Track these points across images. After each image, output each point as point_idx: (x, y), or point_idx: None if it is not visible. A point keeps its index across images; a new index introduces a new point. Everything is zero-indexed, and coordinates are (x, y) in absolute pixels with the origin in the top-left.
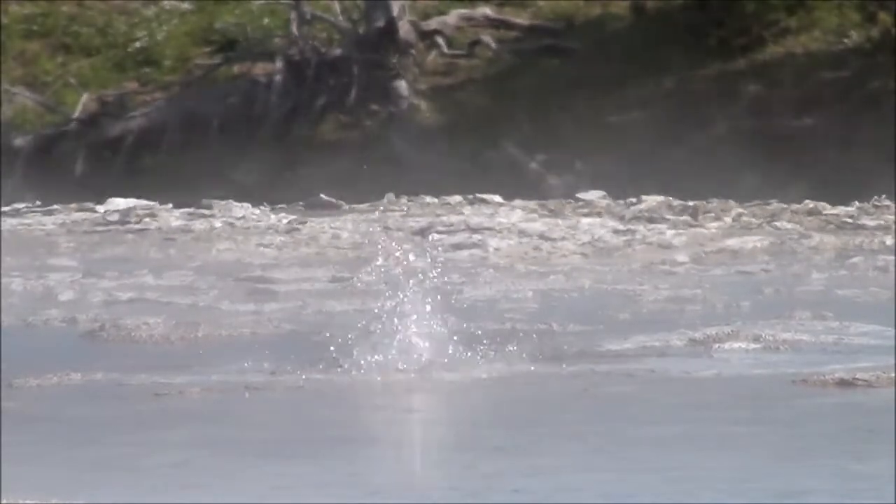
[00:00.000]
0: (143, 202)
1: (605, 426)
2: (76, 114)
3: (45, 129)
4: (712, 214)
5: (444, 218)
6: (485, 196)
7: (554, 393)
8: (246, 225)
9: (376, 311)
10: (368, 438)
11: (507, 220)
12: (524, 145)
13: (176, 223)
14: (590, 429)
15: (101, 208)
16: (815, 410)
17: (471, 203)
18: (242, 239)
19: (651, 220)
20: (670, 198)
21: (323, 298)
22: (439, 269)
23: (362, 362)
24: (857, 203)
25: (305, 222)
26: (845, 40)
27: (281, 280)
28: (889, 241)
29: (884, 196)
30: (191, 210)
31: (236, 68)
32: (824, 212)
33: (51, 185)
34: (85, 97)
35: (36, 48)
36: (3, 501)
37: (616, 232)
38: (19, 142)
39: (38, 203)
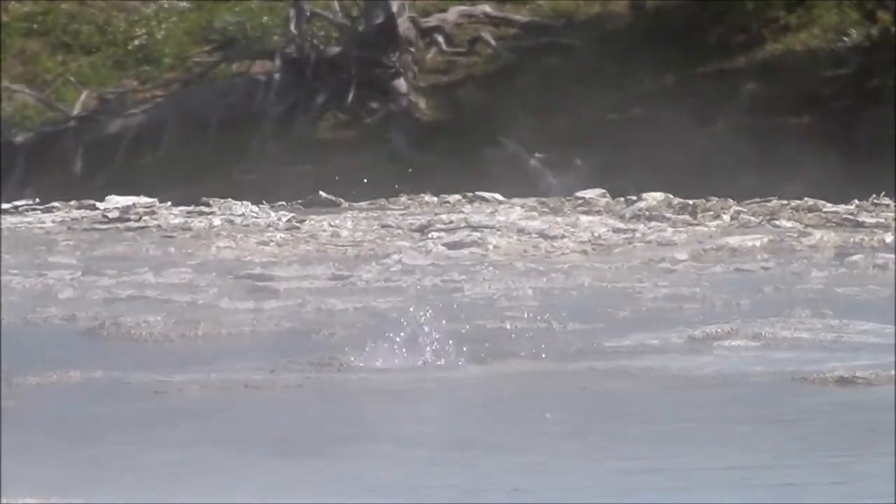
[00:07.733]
0: (143, 200)
1: (604, 424)
2: (76, 111)
3: (44, 127)
4: (712, 212)
5: (444, 216)
6: (484, 194)
7: (553, 391)
8: (245, 223)
9: (376, 308)
10: (368, 437)
11: (506, 217)
12: (524, 143)
13: (175, 221)
14: (589, 427)
15: (100, 206)
16: (814, 408)
17: (470, 201)
18: (242, 237)
19: (651, 218)
20: (670, 196)
21: (323, 296)
22: (439, 267)
23: (362, 360)
24: (856, 201)
25: (305, 220)
26: (845, 38)
27: (280, 278)
28: (889, 238)
29: (883, 194)
30: (190, 208)
31: (235, 66)
32: (824, 209)
33: (50, 182)
34: (84, 95)
35: (36, 46)
36: (3, 501)
37: (615, 230)
38: (19, 139)
39: (37, 201)
